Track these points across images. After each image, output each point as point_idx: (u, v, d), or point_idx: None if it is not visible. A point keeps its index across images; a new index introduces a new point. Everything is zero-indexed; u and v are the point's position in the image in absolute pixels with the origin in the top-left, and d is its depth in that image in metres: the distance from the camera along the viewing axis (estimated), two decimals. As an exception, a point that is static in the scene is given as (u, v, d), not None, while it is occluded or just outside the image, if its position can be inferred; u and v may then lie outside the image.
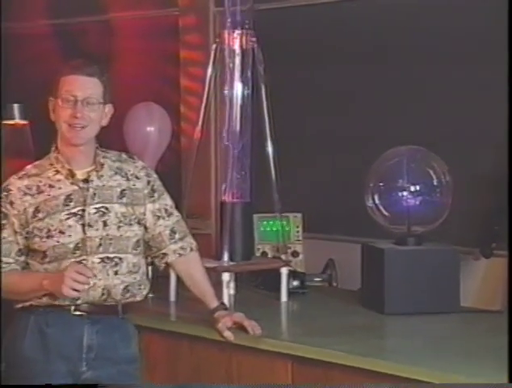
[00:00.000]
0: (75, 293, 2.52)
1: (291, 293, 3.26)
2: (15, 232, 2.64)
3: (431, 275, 3.00)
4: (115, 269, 2.64)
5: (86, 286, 2.53)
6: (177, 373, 2.92)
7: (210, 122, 4.07)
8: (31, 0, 5.00)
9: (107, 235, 2.63)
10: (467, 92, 3.60)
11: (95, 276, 2.59)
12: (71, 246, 2.60)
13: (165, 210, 2.79)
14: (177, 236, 2.80)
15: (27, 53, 4.97)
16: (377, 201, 3.10)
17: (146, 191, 2.75)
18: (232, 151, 3.28)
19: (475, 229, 3.53)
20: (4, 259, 2.63)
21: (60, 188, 2.63)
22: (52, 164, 2.67)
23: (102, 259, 2.62)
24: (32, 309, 2.63)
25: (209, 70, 3.33)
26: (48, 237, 2.60)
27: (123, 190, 2.69)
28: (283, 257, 3.36)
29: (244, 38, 3.26)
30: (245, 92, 3.28)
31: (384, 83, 3.83)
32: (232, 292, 3.22)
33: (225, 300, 2.97)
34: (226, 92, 3.30)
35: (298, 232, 3.74)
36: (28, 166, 2.70)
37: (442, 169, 3.09)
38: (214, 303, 2.79)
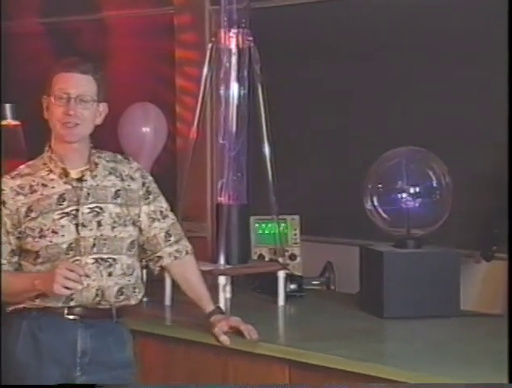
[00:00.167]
0: (67, 292, 2.51)
1: (288, 296, 3.26)
2: (8, 232, 2.63)
3: (431, 278, 3.00)
4: (109, 270, 2.63)
5: (79, 286, 2.53)
6: (172, 379, 2.92)
7: (206, 122, 4.08)
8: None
9: (101, 235, 2.63)
10: (468, 92, 3.61)
11: (88, 276, 2.58)
12: (64, 246, 2.60)
13: (161, 212, 2.79)
14: (172, 239, 2.80)
15: (19, 53, 4.97)
16: (376, 203, 3.10)
17: (141, 193, 2.75)
18: (229, 152, 3.28)
19: (475, 232, 3.54)
20: (-4, 260, 2.64)
21: (53, 187, 2.64)
22: (45, 163, 2.67)
23: (96, 260, 2.62)
24: (25, 312, 2.62)
25: (205, 70, 3.34)
26: (40, 237, 2.60)
27: (118, 190, 2.70)
28: (280, 260, 3.36)
29: (240, 37, 3.27)
30: (242, 92, 3.28)
31: (383, 83, 3.83)
32: (228, 295, 3.22)
33: (221, 304, 2.97)
34: (222, 92, 3.30)
35: (295, 234, 3.74)
36: (21, 166, 2.71)
37: (441, 170, 3.09)
38: (210, 307, 2.79)
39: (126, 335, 2.74)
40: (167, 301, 3.20)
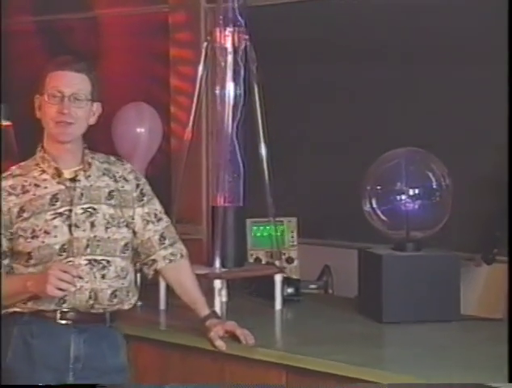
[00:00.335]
0: (60, 293, 2.51)
1: (285, 300, 3.26)
2: (-2, 234, 2.64)
3: (431, 282, 3.00)
4: (102, 272, 2.63)
5: (72, 288, 2.53)
6: (167, 384, 2.91)
7: (201, 123, 4.08)
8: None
9: (95, 237, 2.63)
10: (467, 92, 3.62)
11: (82, 278, 2.58)
12: (57, 247, 2.60)
13: (155, 215, 2.79)
14: (167, 242, 2.80)
15: (10, 52, 4.96)
16: (375, 205, 3.11)
17: (135, 195, 2.75)
18: (224, 153, 3.28)
19: (476, 234, 3.54)
20: (-13, 263, 2.63)
21: (46, 188, 2.63)
22: (37, 164, 2.67)
23: (90, 261, 2.62)
24: (16, 316, 2.62)
25: (200, 69, 3.34)
26: (32, 237, 2.59)
27: (112, 191, 2.70)
28: (277, 263, 3.36)
29: (236, 36, 3.27)
30: (238, 92, 3.28)
31: (382, 83, 3.84)
32: (224, 299, 3.22)
33: (217, 308, 2.97)
34: (218, 92, 3.30)
35: (293, 237, 3.74)
36: (13, 167, 2.70)
37: (441, 171, 3.09)
38: (205, 311, 2.79)
39: (120, 340, 2.74)
40: (162, 306, 3.20)
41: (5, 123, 4.25)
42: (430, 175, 3.09)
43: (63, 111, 2.60)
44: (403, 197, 3.06)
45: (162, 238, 2.79)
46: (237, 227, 3.30)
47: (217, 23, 3.30)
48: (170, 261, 2.80)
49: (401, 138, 3.41)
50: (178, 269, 2.82)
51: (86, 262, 2.61)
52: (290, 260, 3.69)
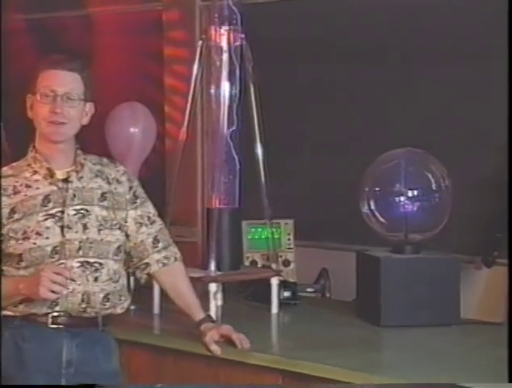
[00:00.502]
0: (53, 295, 2.51)
1: (282, 304, 3.27)
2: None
3: (430, 285, 3.00)
4: (95, 275, 2.63)
5: (65, 291, 2.53)
6: (160, 389, 2.92)
7: (196, 123, 4.09)
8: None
9: (87, 239, 2.63)
10: (467, 92, 3.63)
11: (74, 280, 2.58)
12: (49, 248, 2.60)
13: (148, 218, 2.79)
14: (160, 245, 2.80)
15: (1, 50, 4.96)
16: (373, 207, 3.11)
17: (128, 197, 2.75)
18: (220, 153, 3.28)
19: (476, 237, 3.55)
20: (-23, 266, 2.63)
21: (37, 188, 2.63)
22: (29, 165, 2.67)
23: (82, 264, 2.62)
24: (7, 319, 2.62)
25: (195, 68, 3.34)
26: (24, 239, 2.59)
27: (104, 193, 2.70)
28: (273, 266, 3.36)
29: (232, 34, 3.27)
30: (233, 91, 3.28)
31: (382, 83, 3.85)
32: (219, 303, 3.22)
33: (212, 312, 2.97)
34: (213, 91, 3.30)
35: (289, 239, 3.74)
36: (4, 168, 2.70)
37: (441, 172, 3.10)
38: (200, 315, 2.79)
39: (112, 345, 2.74)
40: (156, 310, 3.21)
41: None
42: (430, 176, 3.09)
43: (55, 111, 2.60)
44: (402, 199, 3.07)
45: (156, 241, 2.79)
46: (232, 229, 3.31)
47: (212, 21, 3.30)
48: (164, 265, 2.80)
49: (401, 138, 3.41)
50: (172, 273, 2.82)
51: (78, 264, 2.61)
52: (287, 263, 3.70)
